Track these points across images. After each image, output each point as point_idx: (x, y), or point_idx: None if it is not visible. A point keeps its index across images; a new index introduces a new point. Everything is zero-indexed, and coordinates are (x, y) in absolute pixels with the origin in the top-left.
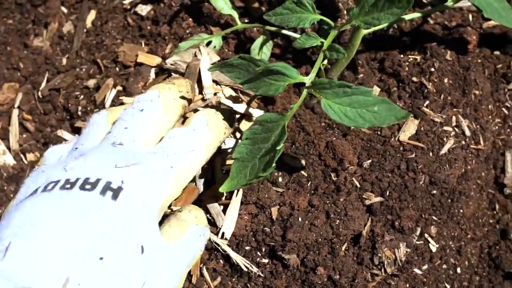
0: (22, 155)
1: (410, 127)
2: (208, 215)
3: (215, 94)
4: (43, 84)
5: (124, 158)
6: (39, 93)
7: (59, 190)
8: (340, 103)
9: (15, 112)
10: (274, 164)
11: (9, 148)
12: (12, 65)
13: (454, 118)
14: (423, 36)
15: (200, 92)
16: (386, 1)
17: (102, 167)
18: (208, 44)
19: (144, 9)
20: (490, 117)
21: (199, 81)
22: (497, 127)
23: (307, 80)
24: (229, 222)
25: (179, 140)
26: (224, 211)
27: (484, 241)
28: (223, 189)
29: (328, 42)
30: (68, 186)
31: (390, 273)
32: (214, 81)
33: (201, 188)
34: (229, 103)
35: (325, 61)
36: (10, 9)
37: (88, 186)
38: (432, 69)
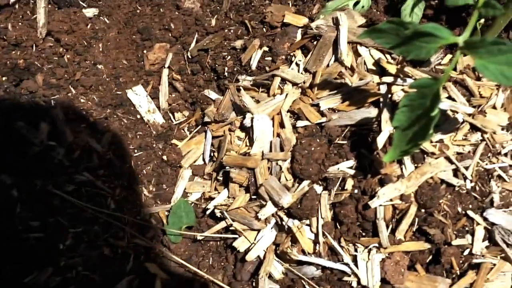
0: (170, 114)
1: None
2: None
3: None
4: (193, 44)
5: None
6: (189, 54)
7: None
8: (495, 62)
9: (165, 72)
10: (431, 131)
11: (158, 107)
12: (164, 26)
13: None
14: None
15: (336, 59)
16: None
17: None
18: (356, 4)
19: None
20: None
21: (335, 51)
22: None
23: (460, 40)
24: None
25: None
26: None
27: None
28: (387, 159)
29: None
30: None
31: None
32: (358, 43)
33: None
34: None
35: (481, 21)
36: None
37: None
38: None
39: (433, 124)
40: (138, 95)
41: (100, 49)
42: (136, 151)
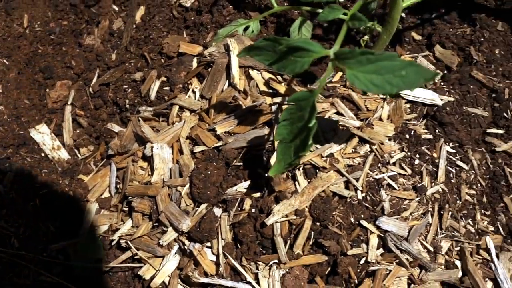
0: (76, 150)
1: None
2: None
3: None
4: (94, 80)
5: None
6: (90, 89)
7: None
8: (365, 72)
9: (68, 109)
10: (310, 142)
11: (63, 144)
12: (65, 64)
13: (506, 90)
14: (472, 7)
15: (230, 84)
16: None
17: None
18: (246, 29)
19: (188, 1)
20: None
21: (228, 77)
22: None
23: (331, 52)
24: None
25: None
26: None
27: None
28: (272, 173)
29: (352, 12)
30: None
31: None
32: (249, 66)
33: None
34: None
35: (365, 37)
36: (65, 11)
37: None
38: (482, 39)
39: (311, 135)
40: (41, 134)
41: (0, 91)
42: (41, 188)
